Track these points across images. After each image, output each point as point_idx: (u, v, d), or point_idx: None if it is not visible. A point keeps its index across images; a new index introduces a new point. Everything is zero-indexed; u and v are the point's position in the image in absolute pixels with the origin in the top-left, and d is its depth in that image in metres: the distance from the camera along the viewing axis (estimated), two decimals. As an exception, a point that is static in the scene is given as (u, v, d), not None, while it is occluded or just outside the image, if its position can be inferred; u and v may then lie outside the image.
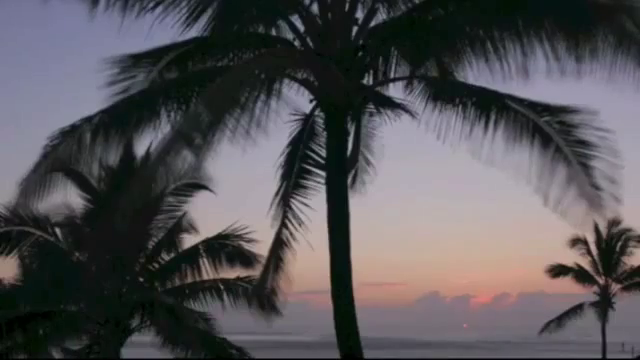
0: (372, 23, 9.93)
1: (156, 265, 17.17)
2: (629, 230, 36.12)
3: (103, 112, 9.02)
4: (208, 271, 17.00)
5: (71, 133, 8.80)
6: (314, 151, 10.89)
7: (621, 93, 8.27)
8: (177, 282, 17.15)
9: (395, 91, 10.65)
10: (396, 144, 12.15)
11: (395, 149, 12.16)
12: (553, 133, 9.74)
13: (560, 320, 37.68)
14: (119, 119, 8.97)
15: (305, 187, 10.88)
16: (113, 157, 9.54)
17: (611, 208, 9.62)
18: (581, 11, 8.01)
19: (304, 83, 10.04)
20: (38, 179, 8.64)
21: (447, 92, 10.06)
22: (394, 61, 10.10)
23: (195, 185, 17.28)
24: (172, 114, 9.37)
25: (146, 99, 9.48)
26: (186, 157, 7.23)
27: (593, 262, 36.66)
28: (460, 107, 10.00)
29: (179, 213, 17.35)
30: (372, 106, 11.11)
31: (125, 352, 16.67)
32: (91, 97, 9.69)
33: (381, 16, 10.10)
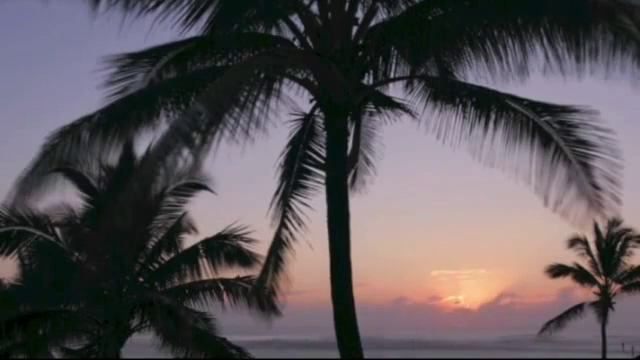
0: (372, 23, 9.92)
1: (156, 265, 17.19)
2: (629, 230, 36.11)
3: (102, 112, 9.02)
4: (207, 271, 17.03)
5: (70, 132, 8.79)
6: (314, 151, 10.89)
7: (620, 92, 8.27)
8: (177, 282, 17.17)
9: (395, 91, 10.67)
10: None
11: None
12: (553, 133, 9.76)
13: (560, 320, 37.68)
14: (117, 118, 8.96)
15: (305, 187, 10.87)
16: (112, 157, 9.52)
17: (611, 208, 9.63)
18: (580, 10, 8.01)
19: (304, 83, 10.03)
20: (36, 178, 8.63)
21: (447, 92, 10.06)
22: (394, 61, 10.09)
23: (195, 185, 17.31)
24: (171, 114, 9.36)
25: (145, 98, 9.47)
26: (185, 156, 7.21)
27: (593, 262, 36.64)
28: (460, 107, 10.01)
29: (179, 213, 17.38)
30: (372, 106, 11.11)
31: (125, 352, 16.67)
32: (92, 97, 9.69)
33: (381, 16, 10.11)
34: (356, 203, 11.37)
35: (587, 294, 37.02)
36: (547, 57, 8.34)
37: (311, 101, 10.14)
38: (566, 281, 37.28)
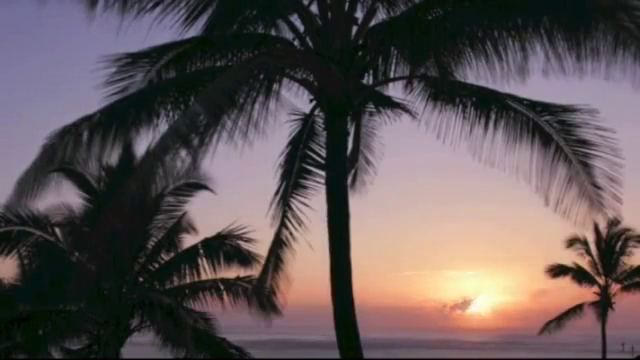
0: (372, 23, 9.90)
1: (156, 265, 17.18)
2: (629, 230, 36.07)
3: (101, 112, 9.00)
4: (207, 271, 17.01)
5: (70, 133, 8.77)
6: (314, 151, 10.88)
7: (620, 91, 8.24)
8: (176, 282, 17.15)
9: (395, 91, 10.65)
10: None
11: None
12: (553, 132, 9.76)
13: (560, 320, 37.66)
14: (117, 119, 8.94)
15: (305, 187, 10.88)
16: (111, 157, 9.51)
17: (612, 207, 9.62)
18: (580, 10, 7.99)
19: (304, 83, 10.01)
20: (36, 178, 8.61)
21: (447, 92, 10.05)
22: (394, 61, 10.06)
23: (195, 185, 17.29)
24: (170, 114, 9.34)
25: (144, 99, 9.45)
26: (183, 157, 7.20)
27: (593, 262, 36.61)
28: (460, 107, 9.99)
29: (179, 213, 17.36)
30: (372, 106, 11.10)
31: (125, 352, 16.66)
32: (92, 96, 9.68)
33: (381, 16, 10.09)
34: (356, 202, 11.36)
35: (587, 294, 37.06)
36: (547, 57, 8.31)
37: (311, 101, 10.12)
38: (562, 282, 37.28)
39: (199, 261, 16.99)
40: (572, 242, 36.20)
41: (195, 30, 9.71)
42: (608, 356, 37.19)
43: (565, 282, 37.12)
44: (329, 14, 9.66)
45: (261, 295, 13.74)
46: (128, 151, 14.25)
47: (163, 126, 9.16)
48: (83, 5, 9.00)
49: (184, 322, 15.41)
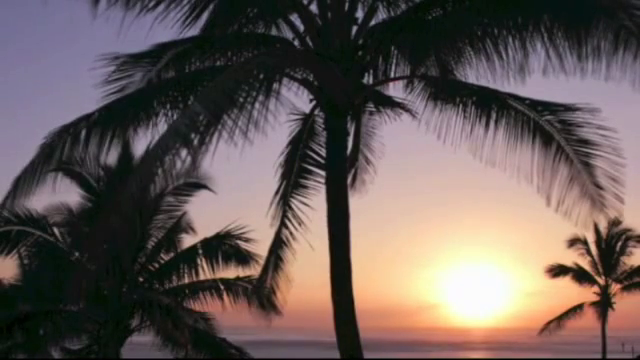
0: (372, 22, 9.88)
1: (156, 265, 17.18)
2: (629, 230, 36.05)
3: (100, 111, 8.97)
4: (206, 271, 17.02)
5: (69, 132, 8.75)
6: (314, 151, 10.87)
7: (622, 90, 8.21)
8: (176, 282, 17.16)
9: (395, 91, 10.63)
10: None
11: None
12: (554, 132, 9.73)
13: (560, 320, 37.65)
14: (115, 118, 8.91)
15: (305, 187, 10.87)
16: (109, 156, 9.48)
17: (614, 207, 9.60)
18: (581, 8, 7.97)
19: (304, 83, 9.98)
20: (35, 178, 8.59)
21: (447, 91, 10.02)
22: (394, 60, 10.05)
23: (195, 185, 17.30)
24: (169, 113, 9.30)
25: (143, 98, 9.42)
26: (183, 157, 7.18)
27: (593, 262, 36.60)
28: (460, 106, 9.97)
29: (178, 213, 17.37)
30: (372, 105, 11.08)
31: (125, 352, 16.65)
32: (91, 95, 9.65)
33: (381, 15, 10.06)
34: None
35: (586, 294, 37.03)
36: (548, 56, 8.28)
37: (311, 101, 10.10)
38: (560, 282, 37.27)
39: (198, 261, 17.00)
40: (574, 242, 36.19)
41: (195, 30, 9.71)
42: (608, 356, 37.15)
43: (563, 282, 37.16)
44: (329, 14, 9.63)
45: (261, 295, 13.71)
46: (127, 151, 14.27)
47: (162, 126, 9.13)
48: (86, 2, 8.98)
49: (183, 322, 15.42)
